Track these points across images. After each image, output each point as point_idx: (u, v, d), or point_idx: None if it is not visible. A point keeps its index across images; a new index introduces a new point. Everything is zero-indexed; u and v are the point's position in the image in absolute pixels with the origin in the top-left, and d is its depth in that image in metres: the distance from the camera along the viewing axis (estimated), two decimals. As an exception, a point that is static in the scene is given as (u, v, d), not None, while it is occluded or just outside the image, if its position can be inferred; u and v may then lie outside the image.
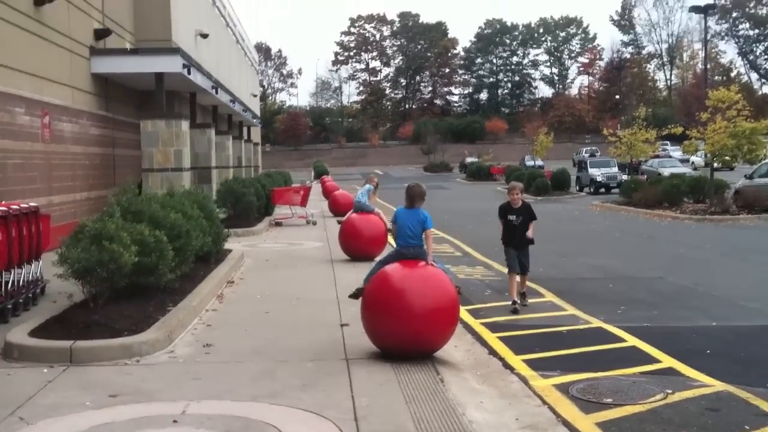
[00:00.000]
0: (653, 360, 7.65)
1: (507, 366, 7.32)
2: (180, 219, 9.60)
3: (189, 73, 20.99)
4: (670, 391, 6.44)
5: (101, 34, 19.69)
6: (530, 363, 7.48)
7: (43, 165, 15.77)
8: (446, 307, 7.00)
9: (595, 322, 9.49)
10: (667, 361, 7.59)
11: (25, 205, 9.49)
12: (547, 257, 16.11)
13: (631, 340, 8.50)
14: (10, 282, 8.82)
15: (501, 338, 8.60)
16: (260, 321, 8.92)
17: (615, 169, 43.06)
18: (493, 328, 9.16)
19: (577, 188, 44.14)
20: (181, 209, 10.48)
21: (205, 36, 28.21)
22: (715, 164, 27.33)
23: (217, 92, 26.88)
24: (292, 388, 6.09)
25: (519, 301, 10.32)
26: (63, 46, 17.29)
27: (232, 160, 31.20)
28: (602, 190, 41.34)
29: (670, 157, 53.48)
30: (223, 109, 33.06)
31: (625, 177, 40.24)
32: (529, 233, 10.63)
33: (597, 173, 42.67)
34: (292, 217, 22.86)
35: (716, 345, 8.33)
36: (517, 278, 10.52)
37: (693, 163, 55.18)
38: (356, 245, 14.31)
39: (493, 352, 7.92)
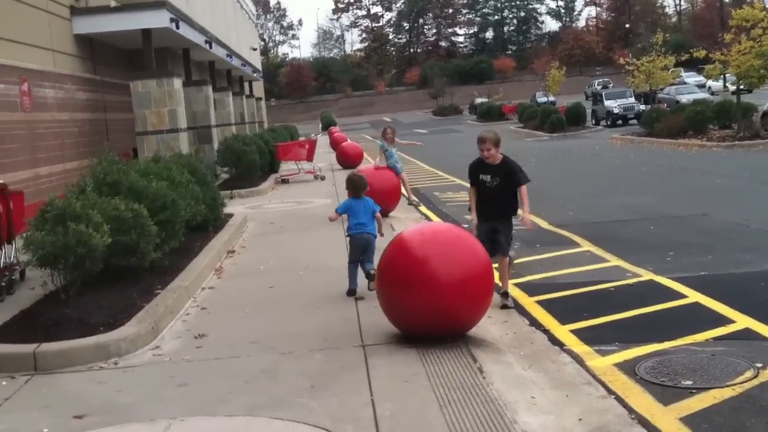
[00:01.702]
0: (725, 320, 6.47)
1: (555, 341, 6.14)
2: (164, 188, 8.42)
3: (178, 27, 19.59)
4: (760, 365, 5.26)
5: (81, -9, 18.30)
6: (581, 335, 6.31)
7: (26, 135, 14.56)
8: (478, 275, 5.80)
9: (645, 274, 8.30)
10: (741, 321, 6.40)
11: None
12: (575, 199, 14.91)
13: (692, 295, 7.30)
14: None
15: (540, 303, 7.43)
16: (263, 299, 7.78)
17: (632, 100, 41.40)
18: (530, 289, 7.98)
19: (593, 122, 42.54)
20: (168, 176, 9.29)
21: (195, -11, 26.69)
22: (742, 87, 25.71)
23: (211, 47, 25.42)
24: (298, 393, 4.96)
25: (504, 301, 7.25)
26: (39, 6, 15.93)
27: (234, 117, 29.85)
28: (619, 122, 39.77)
29: (686, 83, 51.54)
30: (220, 64, 31.60)
31: (642, 107, 38.64)
32: (524, 215, 7.31)
33: (613, 105, 40.99)
34: (299, 173, 21.63)
35: (793, 295, 7.13)
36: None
37: (710, 88, 53.35)
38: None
39: (534, 322, 6.75)
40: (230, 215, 12.72)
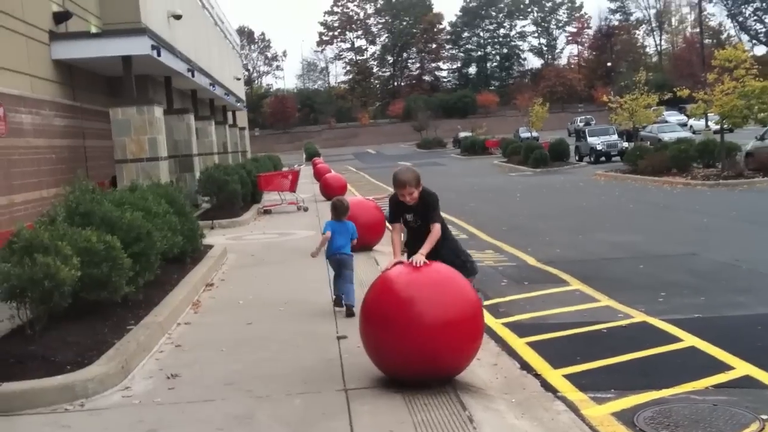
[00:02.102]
0: (723, 366, 6.19)
1: (548, 387, 5.84)
2: (139, 218, 8.07)
3: (159, 54, 19.33)
4: (765, 417, 4.98)
5: (61, 17, 17.99)
6: (575, 380, 6.01)
7: (0, 161, 14.19)
8: (467, 317, 5.49)
9: (637, 316, 8.04)
10: (741, 367, 6.13)
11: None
12: (561, 235, 14.70)
13: (688, 339, 7.04)
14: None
15: (531, 344, 7.13)
16: (240, 336, 7.42)
17: (615, 137, 41.61)
18: (519, 330, 7.69)
19: (577, 158, 42.68)
20: (144, 206, 8.95)
21: (178, 17, 26.44)
22: (726, 126, 25.79)
23: (193, 75, 25.16)
24: (275, 442, 4.61)
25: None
26: (17, 31, 15.62)
27: (216, 146, 29.55)
28: (602, 158, 39.90)
29: (667, 122, 51.94)
30: (203, 93, 31.36)
31: (625, 145, 38.80)
32: (417, 254, 5.83)
33: (597, 142, 41.16)
34: (282, 204, 21.32)
35: (791, 340, 6.88)
36: None
37: (691, 127, 53.80)
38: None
39: (525, 365, 6.44)
40: (210, 246, 12.37)
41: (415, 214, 6.43)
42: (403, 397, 5.27)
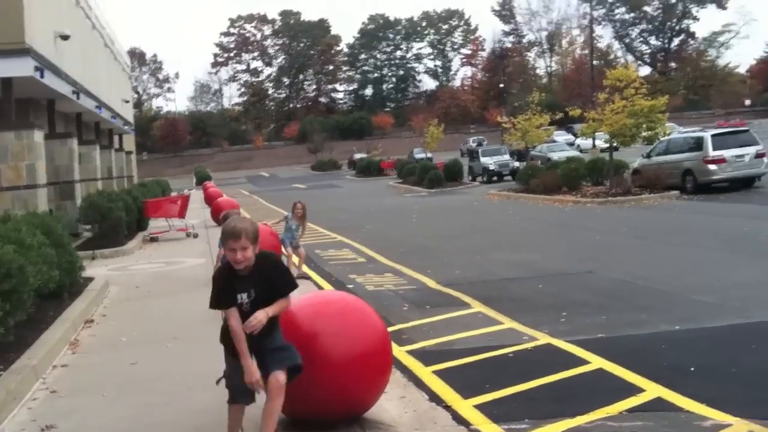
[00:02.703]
0: (634, 389, 6.05)
1: (460, 420, 5.51)
2: (9, 252, 7.32)
3: (42, 76, 18.23)
4: (684, 443, 4.82)
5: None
6: (487, 410, 5.71)
7: None
8: (375, 351, 5.12)
9: (542, 338, 7.87)
10: (651, 389, 5.99)
11: None
12: (460, 256, 14.57)
13: (594, 361, 6.89)
14: None
15: (438, 373, 6.82)
16: (124, 379, 6.78)
17: (506, 157, 42.42)
18: (425, 358, 7.36)
19: (470, 178, 43.22)
20: (16, 238, 8.18)
21: (65, 38, 25.10)
22: (615, 144, 26.59)
23: (78, 98, 23.96)
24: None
25: None
26: None
27: (100, 171, 28.17)
28: (494, 178, 40.60)
29: (555, 141, 53.49)
30: (88, 116, 29.98)
31: (517, 164, 39.59)
32: (259, 314, 4.43)
33: (489, 162, 41.86)
34: (170, 231, 20.42)
35: (696, 358, 6.83)
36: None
37: (579, 146, 55.58)
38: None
39: (434, 397, 6.11)
40: (90, 279, 11.54)
41: (250, 288, 4.48)
42: (305, 441, 4.84)
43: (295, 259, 12.69)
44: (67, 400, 6.26)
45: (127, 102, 51.54)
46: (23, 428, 5.60)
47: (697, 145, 24.75)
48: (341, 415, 5.04)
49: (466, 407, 5.82)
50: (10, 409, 5.94)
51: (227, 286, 4.51)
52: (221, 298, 4.53)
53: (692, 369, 6.50)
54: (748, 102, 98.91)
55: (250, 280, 4.49)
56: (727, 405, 5.48)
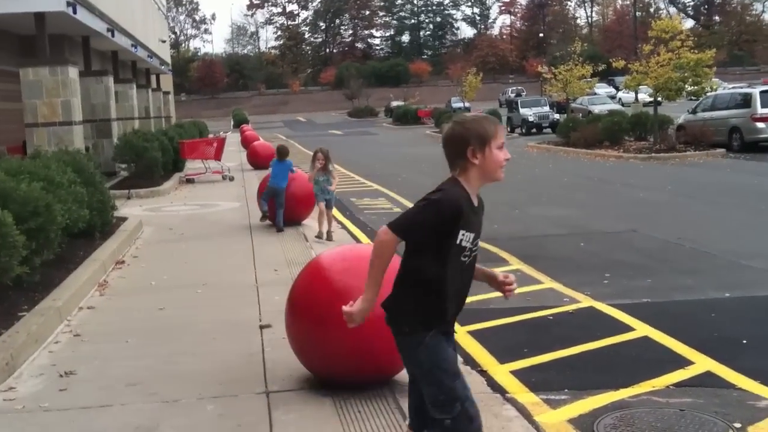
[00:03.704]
0: (682, 360, 5.69)
1: (495, 386, 5.21)
2: (36, 190, 7.13)
3: (75, 12, 17.92)
4: (738, 425, 4.47)
5: (-36, -35, 16.46)
6: (524, 377, 5.41)
7: None
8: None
9: (584, 300, 7.52)
10: (700, 362, 5.64)
11: None
12: (498, 209, 14.13)
13: (640, 327, 6.54)
14: None
15: (473, 334, 6.53)
16: (150, 325, 6.60)
17: (546, 109, 41.49)
18: (460, 316, 7.02)
19: (509, 129, 42.39)
20: (45, 175, 7.98)
21: (99, -28, 24.82)
22: (659, 99, 25.76)
23: (113, 35, 23.67)
24: (180, 464, 3.88)
25: None
26: None
27: (137, 110, 28.05)
28: (534, 130, 39.77)
29: (596, 94, 52.22)
30: (124, 55, 29.74)
31: (557, 116, 38.72)
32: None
33: (529, 113, 40.98)
34: (206, 173, 20.28)
35: (747, 329, 6.44)
36: None
37: (620, 99, 54.26)
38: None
39: (469, 360, 5.81)
40: (123, 219, 11.41)
41: (477, 228, 3.26)
42: (333, 402, 4.60)
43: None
44: (90, 345, 6.09)
45: (164, 42, 51.19)
46: (42, 372, 5.44)
47: (745, 101, 23.86)
48: (371, 377, 4.77)
49: (502, 372, 5.52)
50: (30, 352, 5.79)
51: (452, 221, 3.09)
52: (443, 230, 3.11)
53: (744, 341, 6.12)
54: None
55: (479, 213, 3.20)
56: (784, 382, 5.12)
